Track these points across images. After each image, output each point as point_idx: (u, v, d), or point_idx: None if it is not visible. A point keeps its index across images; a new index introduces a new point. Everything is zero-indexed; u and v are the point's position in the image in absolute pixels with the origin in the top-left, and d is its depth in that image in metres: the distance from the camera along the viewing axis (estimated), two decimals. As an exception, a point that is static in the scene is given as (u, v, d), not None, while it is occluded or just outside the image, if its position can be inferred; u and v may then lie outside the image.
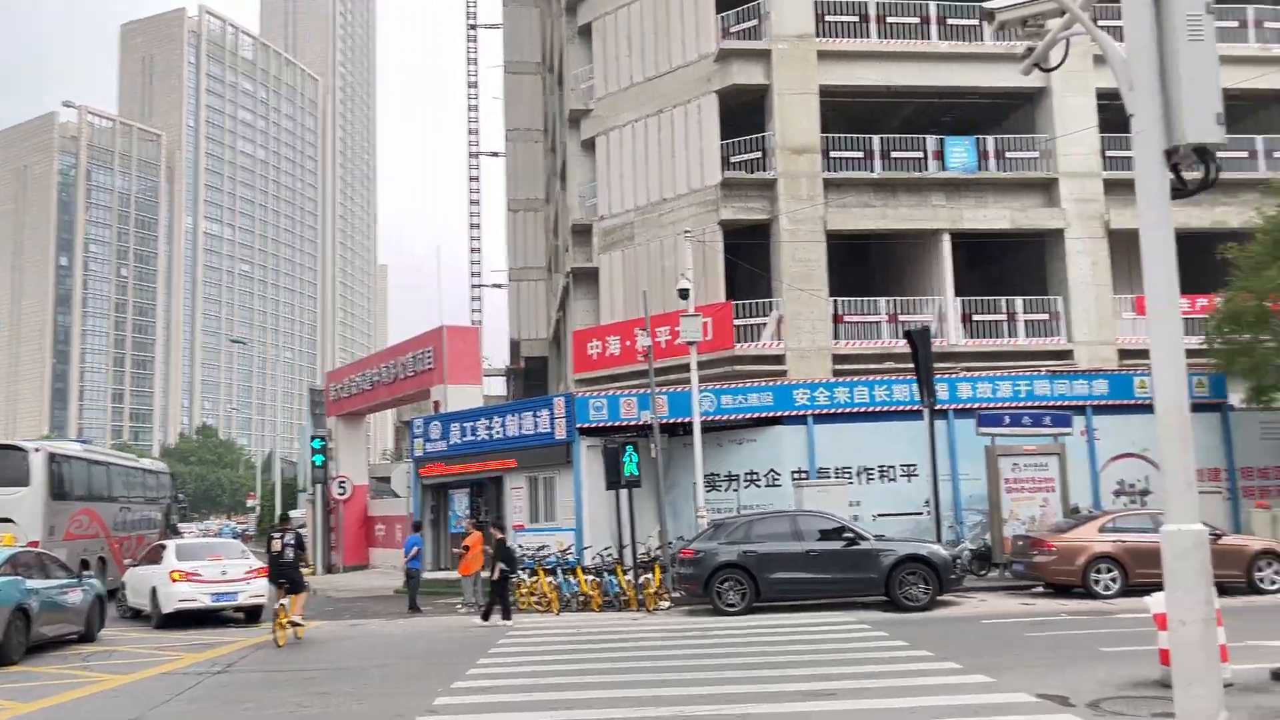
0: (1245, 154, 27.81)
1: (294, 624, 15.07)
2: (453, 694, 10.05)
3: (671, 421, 22.02)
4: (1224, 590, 16.53)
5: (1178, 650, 6.29)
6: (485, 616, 16.86)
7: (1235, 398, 23.54)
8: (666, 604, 17.71)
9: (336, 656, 13.52)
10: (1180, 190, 6.68)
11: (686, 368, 21.43)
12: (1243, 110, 28.63)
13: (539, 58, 44.43)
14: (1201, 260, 25.66)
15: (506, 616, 16.68)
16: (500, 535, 17.69)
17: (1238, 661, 9.27)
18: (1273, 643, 11.19)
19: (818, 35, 26.74)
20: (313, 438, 33.36)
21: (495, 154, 55.39)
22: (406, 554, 20.77)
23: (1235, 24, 28.03)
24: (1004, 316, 27.02)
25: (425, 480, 27.45)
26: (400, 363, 32.21)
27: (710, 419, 22.00)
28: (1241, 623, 12.21)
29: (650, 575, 17.90)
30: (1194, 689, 6.14)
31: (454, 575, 21.83)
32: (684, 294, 20.93)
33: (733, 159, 26.62)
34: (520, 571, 18.59)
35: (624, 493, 19.79)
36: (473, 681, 10.78)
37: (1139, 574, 16.30)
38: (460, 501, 27.48)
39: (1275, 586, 16.83)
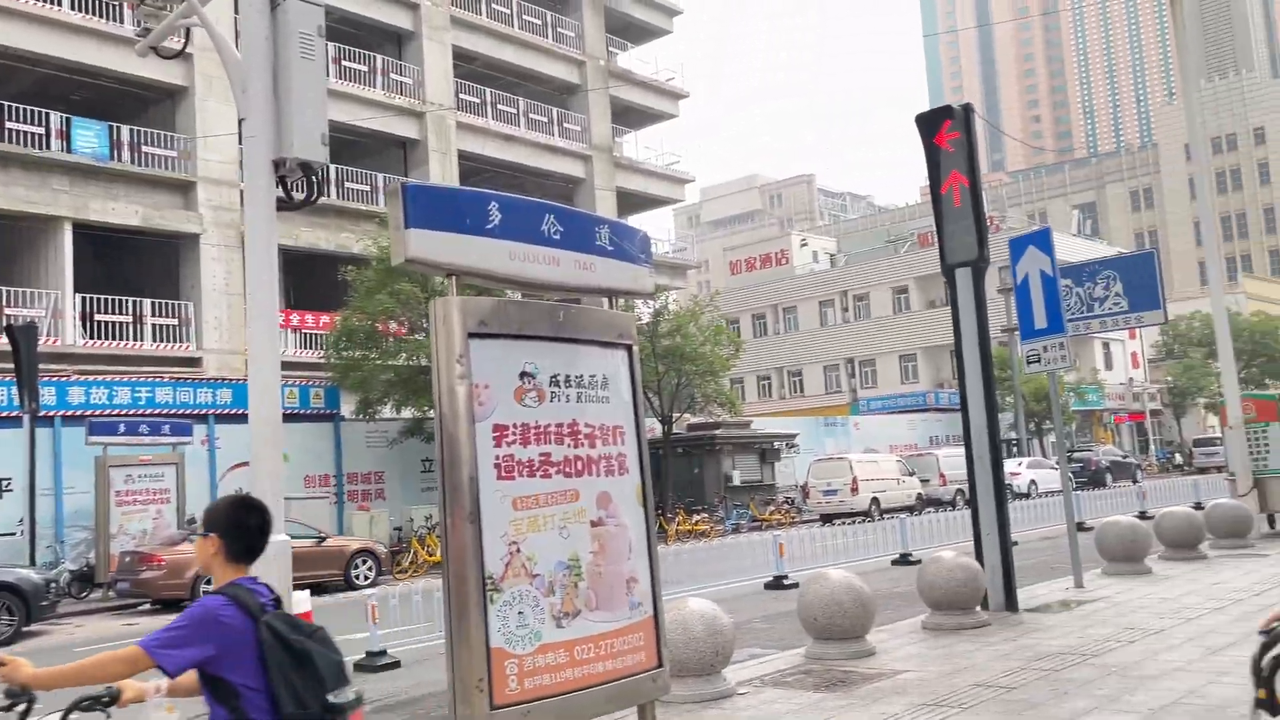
0: (368, 187, 30.64)
1: None
2: None
3: None
4: (326, 588, 17.80)
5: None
6: None
7: (347, 409, 25.59)
8: None
9: None
10: (286, 203, 6.76)
11: None
12: (369, 147, 31.56)
13: None
14: (330, 279, 27.48)
15: None
16: None
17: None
18: (358, 635, 12.12)
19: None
20: None
21: None
22: None
23: (365, 68, 30.83)
24: (131, 318, 25.48)
25: None
26: None
27: None
28: (333, 618, 13.01)
29: None
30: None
31: None
32: None
33: None
34: None
35: None
36: None
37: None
38: None
39: (368, 581, 18.55)
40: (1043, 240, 10.76)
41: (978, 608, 9.18)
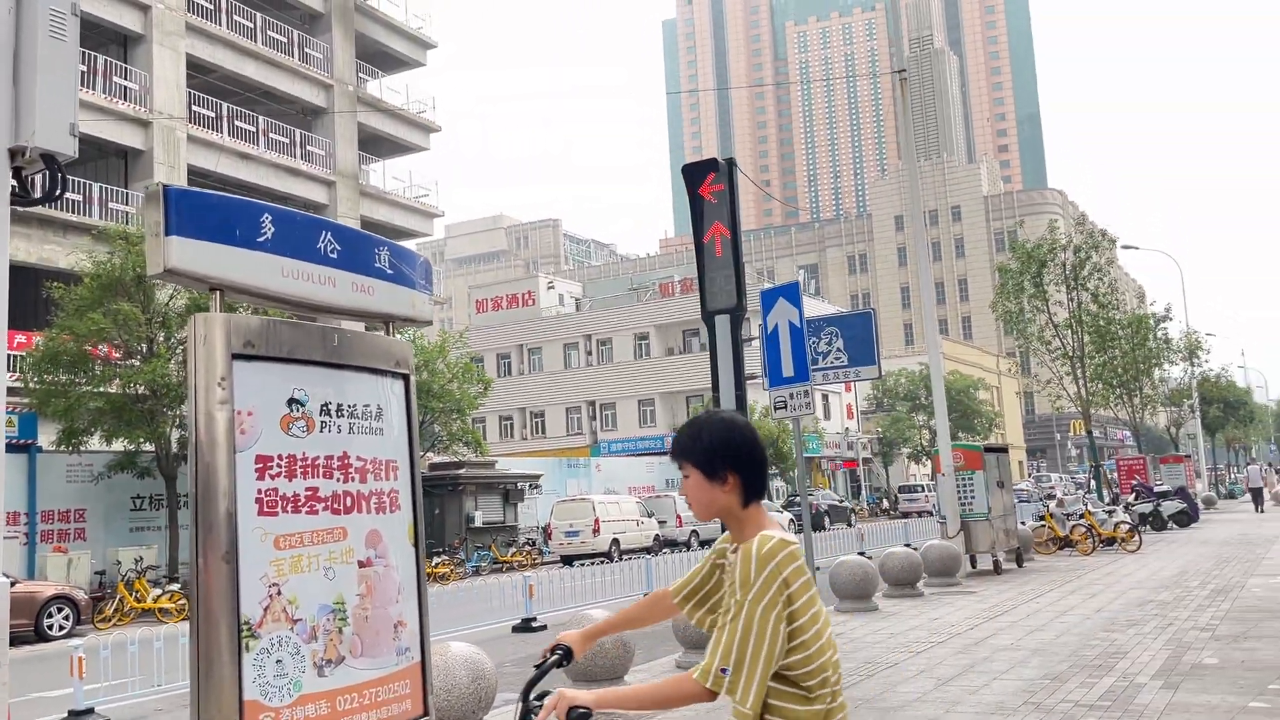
0: (80, 197, 27.96)
1: None
2: None
3: None
4: (14, 640, 15.75)
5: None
6: None
7: (46, 439, 22.99)
8: None
9: None
10: (21, 198, 5.96)
11: None
12: (84, 154, 28.85)
13: None
14: (30, 296, 24.71)
15: None
16: None
17: (28, 715, 8.59)
18: (55, 692, 10.77)
19: None
20: None
21: None
22: None
23: (84, 68, 28.25)
24: None
25: None
26: None
27: None
28: (20, 674, 11.53)
29: None
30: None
31: None
32: None
33: None
34: None
35: None
36: None
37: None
38: None
39: (64, 632, 16.60)
40: (792, 294, 11.35)
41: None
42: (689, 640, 9.14)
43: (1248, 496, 41.77)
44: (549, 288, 64.77)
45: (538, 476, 35.35)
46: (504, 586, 15.87)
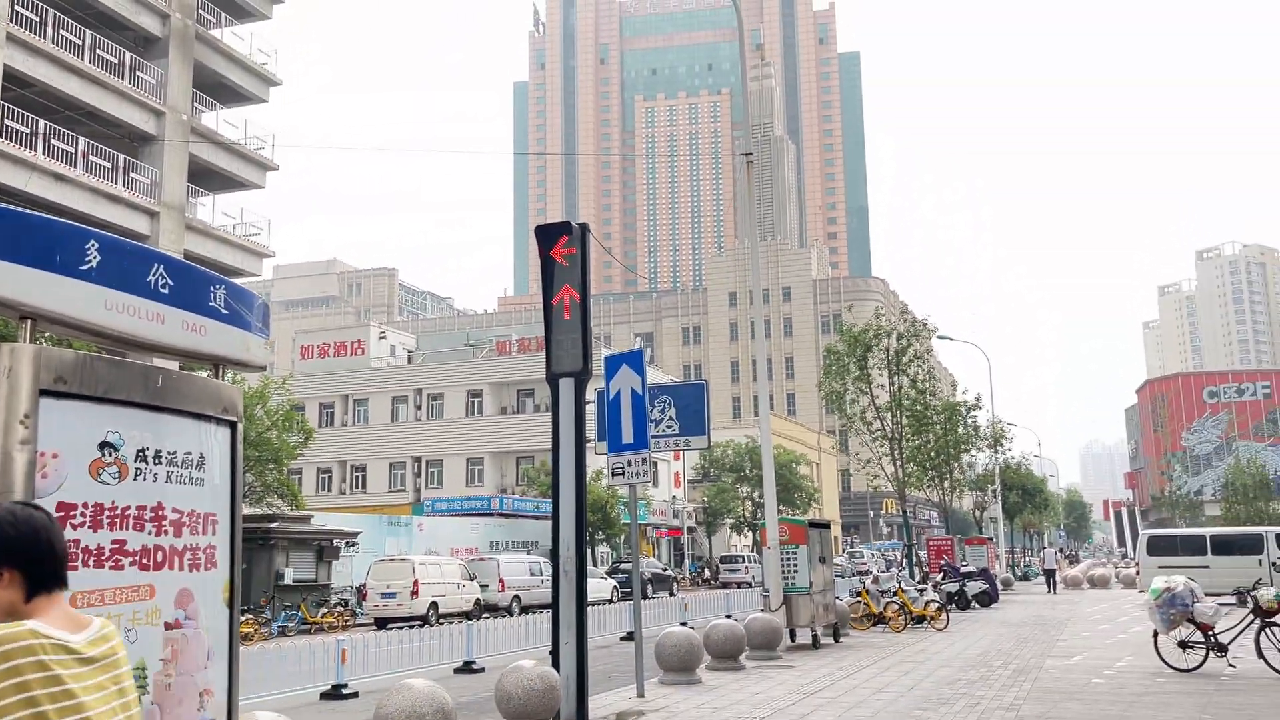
0: None
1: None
2: None
3: None
4: None
5: None
6: None
7: None
8: None
9: None
10: None
11: None
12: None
13: None
14: None
15: None
16: None
17: None
18: None
19: None
20: None
21: None
22: None
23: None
24: None
25: None
26: None
27: None
28: None
29: None
30: None
31: None
32: None
33: None
34: None
35: None
36: None
37: None
38: None
39: None
40: (636, 361, 11.39)
41: (552, 718, 9.13)
42: (511, 712, 8.83)
43: (1041, 578, 44.46)
44: (381, 338, 63.17)
45: (356, 534, 33.98)
46: (314, 649, 15.02)
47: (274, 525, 29.44)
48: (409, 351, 64.55)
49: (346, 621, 28.51)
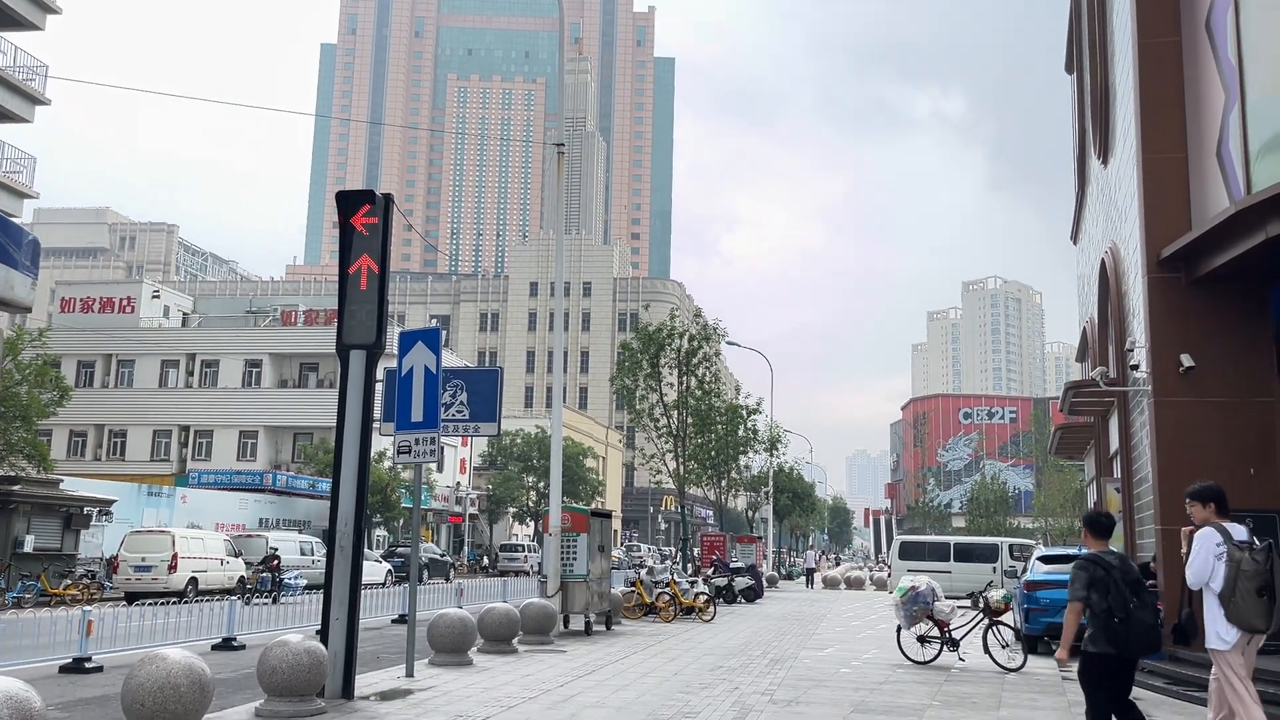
0: None
1: None
2: None
3: None
4: None
5: None
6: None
7: None
8: None
9: None
10: None
11: None
12: None
13: None
14: None
15: None
16: None
17: None
18: None
19: None
20: None
21: None
22: None
23: None
24: None
25: None
26: None
27: None
28: None
29: None
30: None
31: None
32: None
33: None
34: None
35: None
36: None
37: None
38: None
39: None
40: (433, 339, 11.27)
41: (316, 696, 8.93)
42: (274, 687, 8.58)
43: (804, 577, 47.06)
44: (154, 297, 59.14)
45: (110, 502, 31.74)
46: (56, 621, 13.98)
47: (16, 488, 27.13)
48: (184, 314, 60.78)
49: (93, 595, 26.59)
